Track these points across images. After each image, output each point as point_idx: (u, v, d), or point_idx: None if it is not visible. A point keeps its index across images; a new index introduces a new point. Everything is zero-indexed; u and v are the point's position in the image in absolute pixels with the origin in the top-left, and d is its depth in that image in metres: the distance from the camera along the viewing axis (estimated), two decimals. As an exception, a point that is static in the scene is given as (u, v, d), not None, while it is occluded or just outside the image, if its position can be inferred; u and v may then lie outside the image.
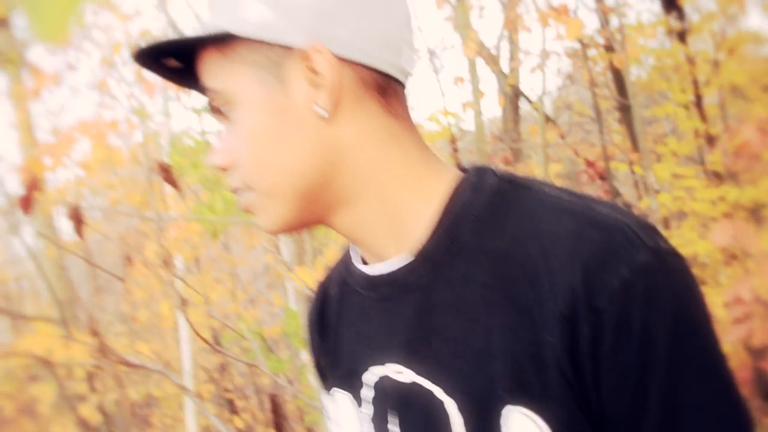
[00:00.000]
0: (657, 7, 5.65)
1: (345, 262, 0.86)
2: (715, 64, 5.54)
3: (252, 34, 0.68)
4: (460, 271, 0.70)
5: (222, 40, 0.70)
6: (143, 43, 0.72)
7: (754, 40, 6.62)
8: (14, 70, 4.76)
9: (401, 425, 0.74)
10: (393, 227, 0.74)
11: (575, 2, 7.65)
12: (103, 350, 1.70)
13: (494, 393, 0.65)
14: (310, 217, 0.74)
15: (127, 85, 5.82)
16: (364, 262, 0.81)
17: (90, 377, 7.20)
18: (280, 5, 0.68)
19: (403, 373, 0.73)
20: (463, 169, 0.76)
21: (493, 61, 6.47)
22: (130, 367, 1.80)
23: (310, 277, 3.16)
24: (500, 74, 6.67)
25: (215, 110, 0.74)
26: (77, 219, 1.63)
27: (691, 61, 5.26)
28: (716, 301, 3.40)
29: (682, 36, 5.37)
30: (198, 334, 2.27)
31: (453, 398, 0.68)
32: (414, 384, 0.72)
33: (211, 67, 0.71)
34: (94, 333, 1.67)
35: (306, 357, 6.20)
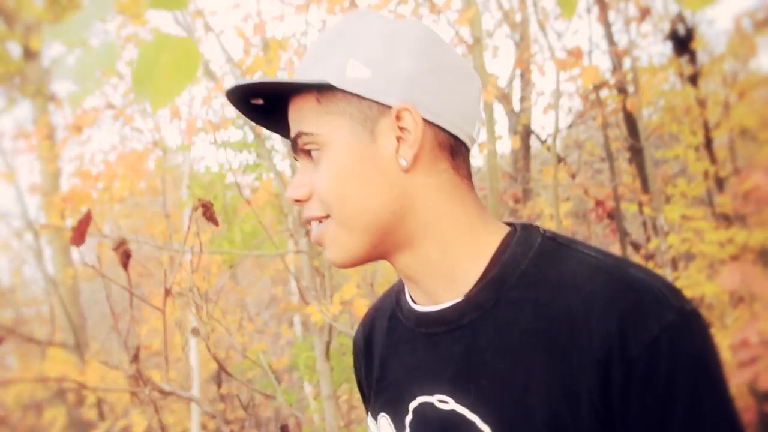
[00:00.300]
0: (669, 50, 5.76)
1: (396, 298, 0.95)
2: (726, 107, 5.64)
3: (353, 89, 0.79)
4: (505, 316, 0.78)
5: (321, 90, 0.80)
6: (242, 80, 0.81)
7: (764, 82, 6.72)
8: (42, 102, 4.90)
9: None
10: (448, 272, 0.83)
11: (588, 43, 7.77)
12: (138, 377, 1.77)
13: (532, 424, 0.73)
14: (374, 253, 0.84)
15: (151, 118, 5.96)
16: (414, 302, 0.89)
17: (99, 404, 7.25)
18: (382, 71, 0.79)
19: (447, 403, 0.81)
20: (511, 225, 0.86)
21: (505, 100, 6.59)
22: (163, 394, 1.87)
23: (327, 311, 3.22)
24: (512, 113, 6.79)
25: (298, 150, 0.84)
26: (124, 252, 1.72)
27: (701, 103, 5.34)
28: (722, 343, 3.46)
29: (693, 78, 5.46)
30: (218, 363, 2.34)
31: (491, 427, 0.76)
32: (453, 412, 0.80)
33: (307, 113, 0.81)
34: (135, 359, 1.74)
35: (309, 389, 6.25)
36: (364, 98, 0.79)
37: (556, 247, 0.81)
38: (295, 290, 7.12)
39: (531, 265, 0.80)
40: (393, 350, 0.93)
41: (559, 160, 5.67)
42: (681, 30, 5.49)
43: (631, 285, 0.73)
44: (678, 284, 4.06)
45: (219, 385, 8.80)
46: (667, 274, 3.92)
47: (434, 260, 0.83)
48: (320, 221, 0.84)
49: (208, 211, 1.95)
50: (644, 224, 5.37)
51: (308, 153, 0.83)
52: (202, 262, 4.43)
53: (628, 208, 5.55)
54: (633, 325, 0.70)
